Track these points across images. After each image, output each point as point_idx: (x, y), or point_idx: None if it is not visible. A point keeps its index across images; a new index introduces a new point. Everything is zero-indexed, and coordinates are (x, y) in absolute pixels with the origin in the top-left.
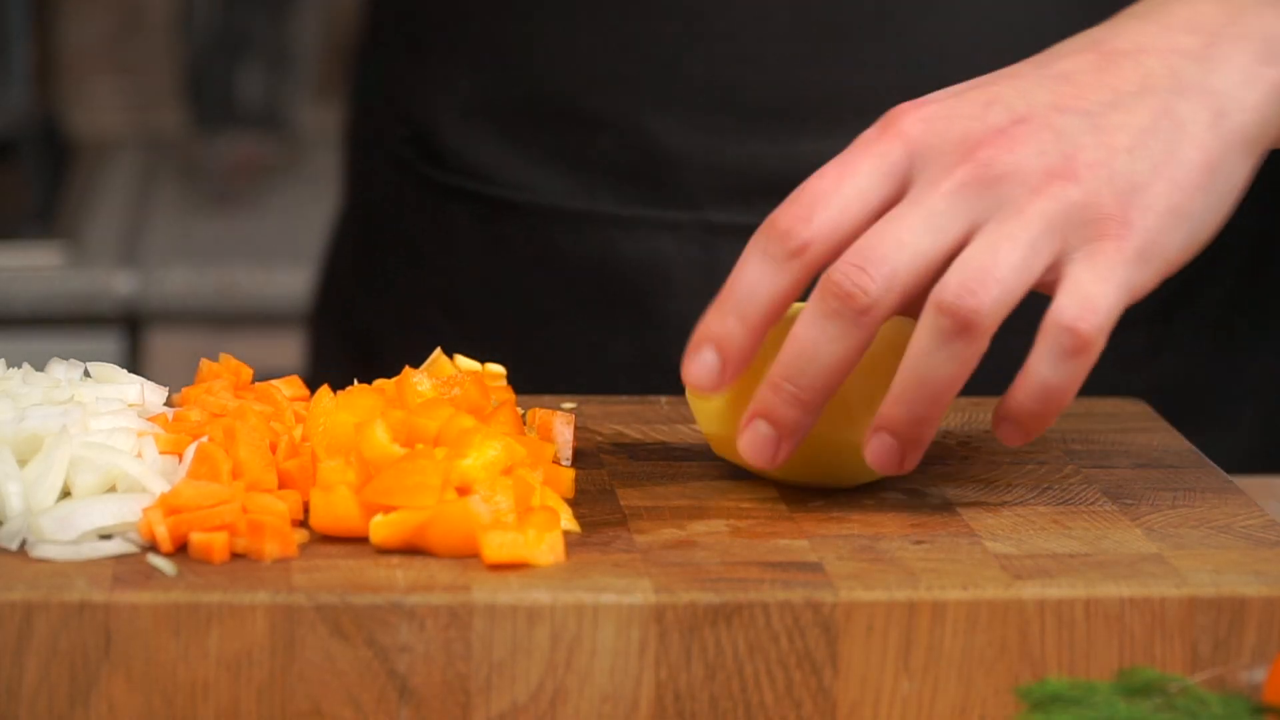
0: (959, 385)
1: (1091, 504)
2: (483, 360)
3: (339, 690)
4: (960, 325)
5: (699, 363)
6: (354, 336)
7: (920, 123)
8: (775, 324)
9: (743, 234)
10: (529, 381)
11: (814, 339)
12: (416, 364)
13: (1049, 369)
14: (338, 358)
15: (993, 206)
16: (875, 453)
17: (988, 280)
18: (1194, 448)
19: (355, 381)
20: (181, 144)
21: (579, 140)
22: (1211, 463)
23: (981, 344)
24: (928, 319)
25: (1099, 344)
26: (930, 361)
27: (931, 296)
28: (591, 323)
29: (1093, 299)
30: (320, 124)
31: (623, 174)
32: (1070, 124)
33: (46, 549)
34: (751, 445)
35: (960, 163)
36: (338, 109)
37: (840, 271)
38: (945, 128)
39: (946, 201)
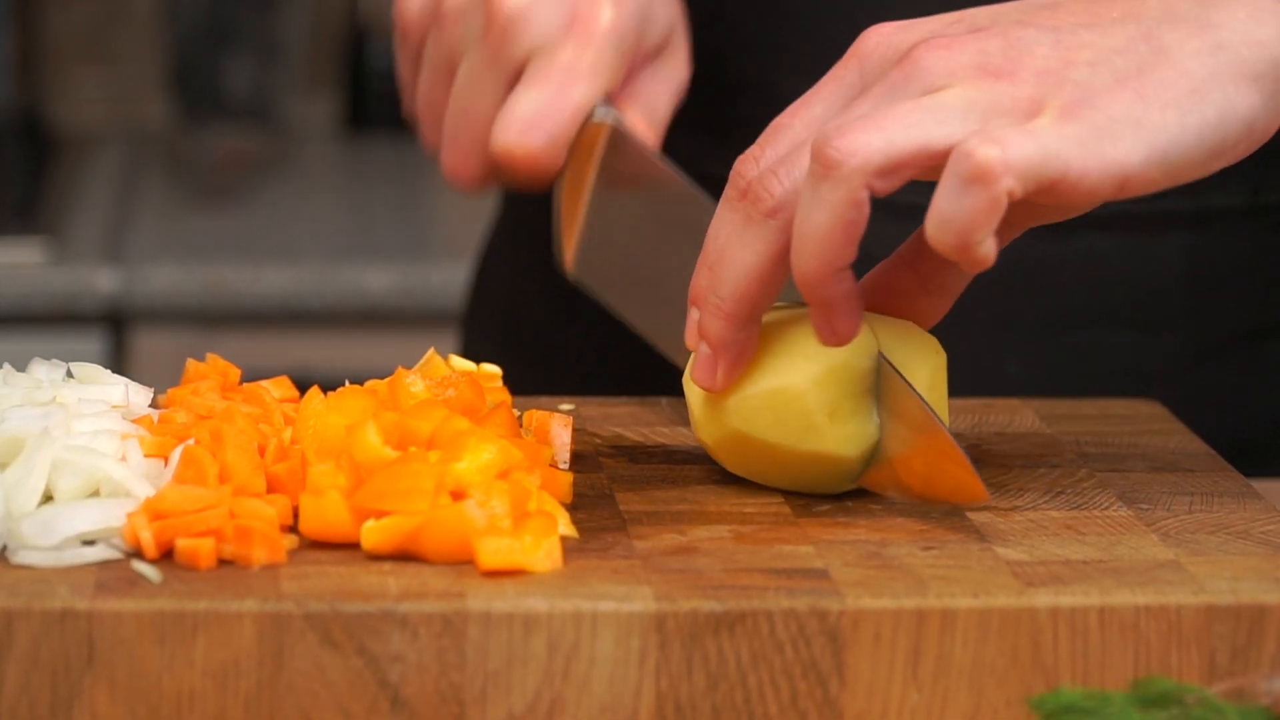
0: (843, 233)
1: (1106, 509)
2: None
3: (329, 701)
4: (826, 166)
5: (699, 362)
6: (509, 331)
7: (879, 37)
8: (772, 287)
9: (881, 205)
10: (658, 362)
11: (729, 247)
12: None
13: (945, 197)
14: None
15: (914, 93)
16: (814, 324)
17: (857, 129)
18: (1211, 450)
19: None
20: (167, 137)
21: (718, 104)
22: (1230, 466)
23: (851, 190)
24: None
25: (999, 177)
26: (805, 210)
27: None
28: None
29: (1004, 138)
30: (310, 116)
31: (726, 127)
32: (1030, 36)
33: (27, 555)
34: (697, 370)
35: (896, 64)
36: (328, 101)
37: (748, 174)
38: (900, 40)
39: (871, 103)
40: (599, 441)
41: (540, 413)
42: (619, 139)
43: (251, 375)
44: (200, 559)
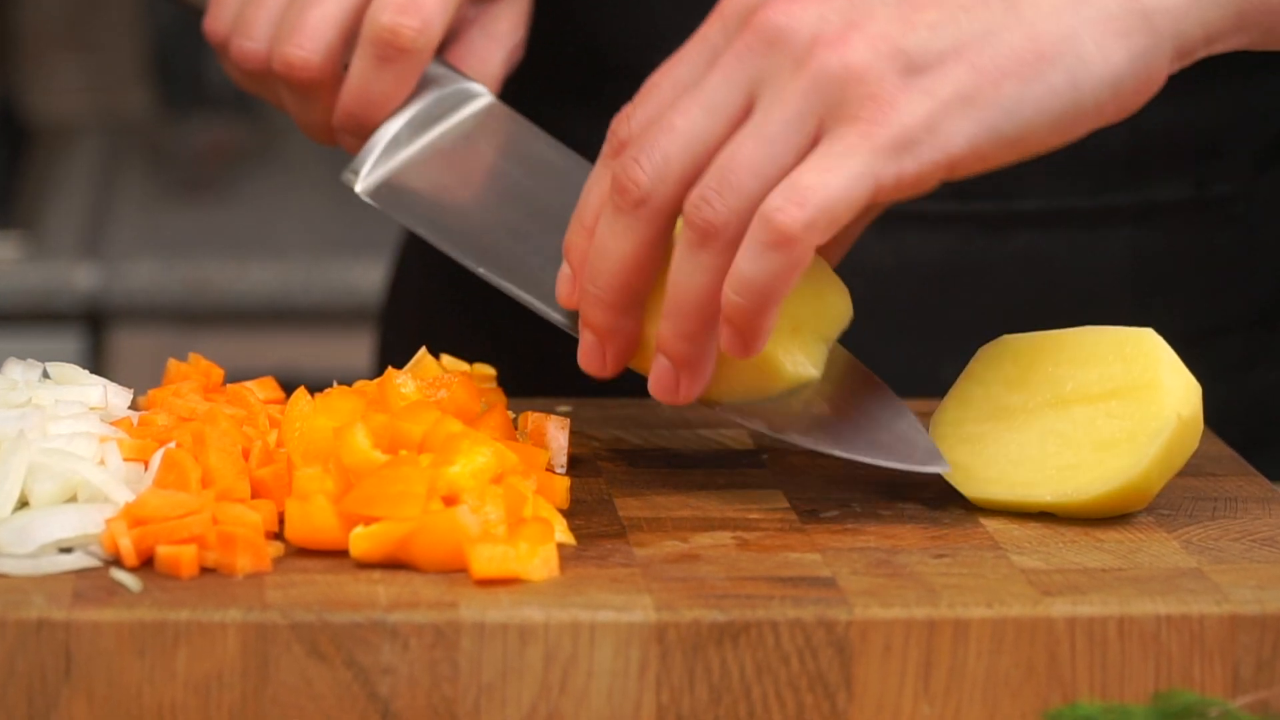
0: (714, 295)
1: (1125, 515)
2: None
3: (316, 715)
4: (700, 235)
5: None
6: (423, 333)
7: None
8: (650, 274)
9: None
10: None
11: (601, 236)
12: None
13: (746, 261)
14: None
15: (764, 78)
16: (654, 376)
17: (724, 186)
18: (1236, 454)
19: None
20: (147, 128)
21: (594, 83)
22: (1255, 470)
23: (728, 252)
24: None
25: (801, 239)
26: (680, 272)
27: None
28: None
29: (804, 190)
30: None
31: None
32: None
33: (2, 563)
34: (582, 356)
35: (740, 29)
36: None
37: (619, 164)
38: (703, 40)
39: (721, 74)
40: (597, 444)
41: (536, 415)
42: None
43: (235, 376)
44: (182, 567)
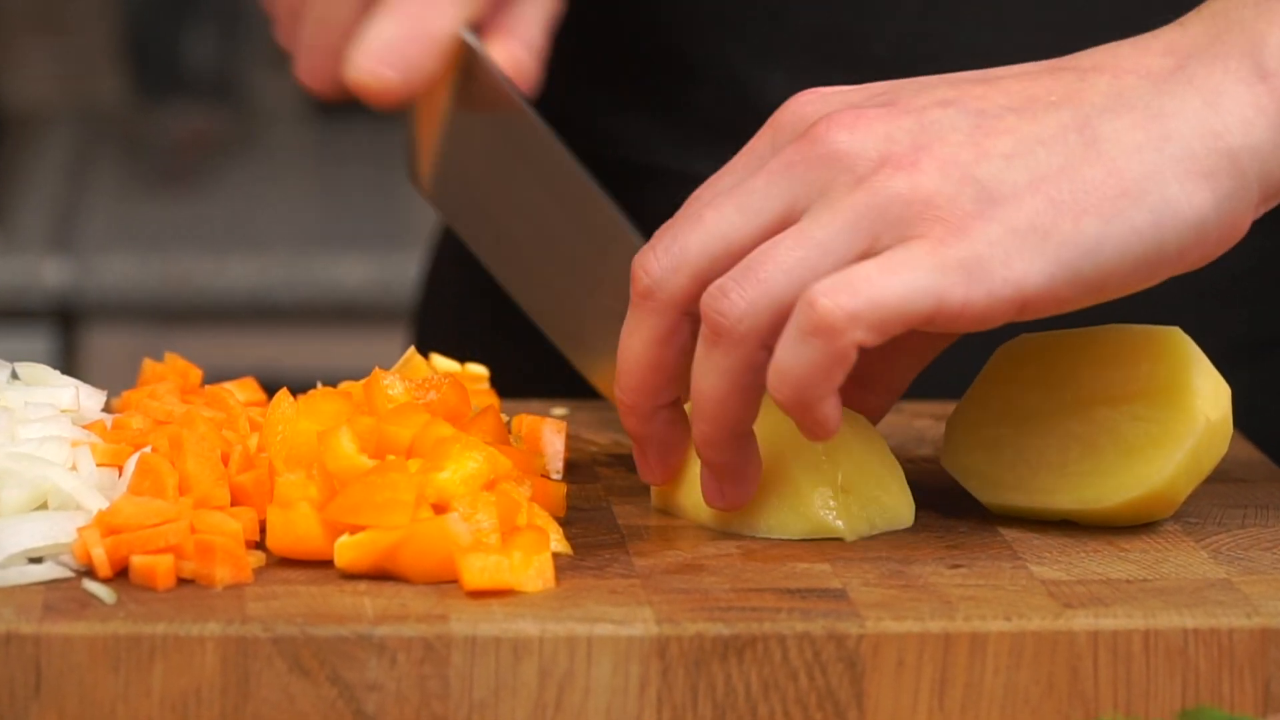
0: (729, 399)
1: (1150, 523)
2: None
3: None
4: (712, 329)
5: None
6: (460, 332)
7: (795, 107)
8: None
9: None
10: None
11: (624, 336)
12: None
13: (783, 349)
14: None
15: (813, 193)
16: (702, 483)
17: (746, 279)
18: (1267, 459)
19: None
20: (122, 116)
21: (674, 92)
22: None
23: (738, 352)
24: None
25: (845, 331)
26: (697, 372)
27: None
28: None
29: (857, 280)
30: (278, 94)
31: (721, 131)
32: (948, 119)
33: None
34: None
35: (796, 140)
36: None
37: (638, 259)
38: (812, 112)
39: (765, 178)
40: (595, 449)
41: (531, 418)
42: (474, 62)
43: (214, 377)
44: (158, 578)
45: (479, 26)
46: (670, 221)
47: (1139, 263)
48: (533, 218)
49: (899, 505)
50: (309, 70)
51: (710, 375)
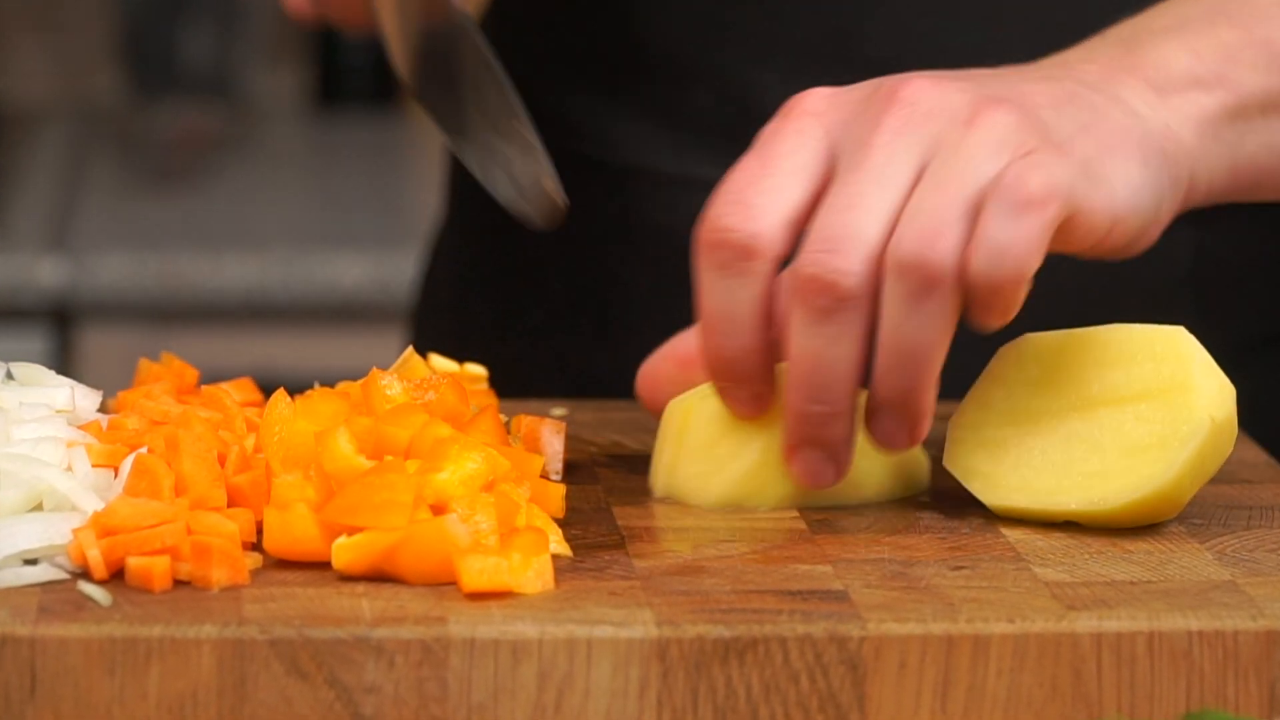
0: (946, 344)
1: (1155, 524)
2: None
3: None
4: (927, 282)
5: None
6: (456, 330)
7: (821, 99)
8: (767, 331)
9: None
10: (611, 367)
11: (816, 349)
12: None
13: (999, 228)
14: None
15: (931, 145)
16: (879, 434)
17: (940, 230)
18: (1272, 460)
19: None
20: (117, 114)
21: (668, 95)
22: None
23: (955, 296)
24: (892, 284)
25: (1049, 202)
26: (907, 327)
27: (889, 258)
28: (675, 301)
29: (1043, 164)
30: (275, 91)
31: (716, 133)
32: (980, 77)
33: None
34: (807, 473)
35: (883, 112)
36: (295, 74)
37: (811, 263)
38: (848, 98)
39: (884, 153)
40: (594, 450)
41: (530, 418)
42: None
43: (211, 377)
44: (154, 580)
45: None
46: (818, 221)
47: (1155, 209)
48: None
49: (921, 470)
50: None
51: (930, 325)
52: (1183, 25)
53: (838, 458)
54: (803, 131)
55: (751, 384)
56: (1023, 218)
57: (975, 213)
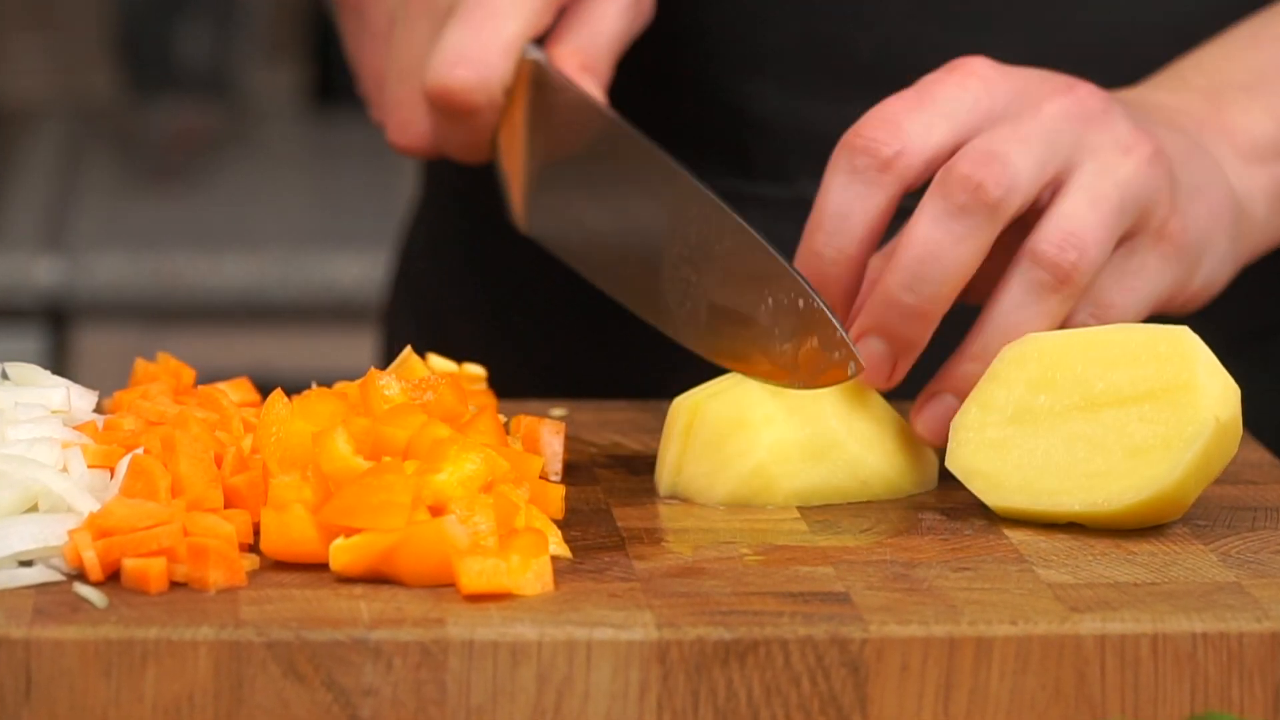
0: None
1: (1159, 526)
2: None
3: None
4: (1060, 280)
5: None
6: (430, 329)
7: (989, 66)
8: (871, 245)
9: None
10: (605, 378)
11: (938, 240)
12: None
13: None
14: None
15: (1084, 149)
16: (927, 424)
17: (1087, 243)
18: (1277, 461)
19: None
20: (113, 112)
21: (660, 103)
22: None
23: (1067, 303)
24: (1024, 271)
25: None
26: (1023, 315)
27: (1029, 247)
28: None
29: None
30: (273, 89)
31: (706, 143)
32: (1129, 101)
33: None
34: (869, 373)
35: (1058, 93)
36: (293, 72)
37: (969, 162)
38: (1016, 73)
39: (1055, 123)
40: (594, 450)
41: (529, 418)
42: (542, 77)
43: (207, 377)
44: (150, 581)
45: (544, 38)
46: (982, 138)
47: (1215, 287)
48: (630, 218)
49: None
50: (399, 126)
51: (1043, 319)
52: (1260, 82)
53: (899, 359)
54: (966, 87)
55: (828, 293)
56: (1150, 279)
57: (1119, 241)
